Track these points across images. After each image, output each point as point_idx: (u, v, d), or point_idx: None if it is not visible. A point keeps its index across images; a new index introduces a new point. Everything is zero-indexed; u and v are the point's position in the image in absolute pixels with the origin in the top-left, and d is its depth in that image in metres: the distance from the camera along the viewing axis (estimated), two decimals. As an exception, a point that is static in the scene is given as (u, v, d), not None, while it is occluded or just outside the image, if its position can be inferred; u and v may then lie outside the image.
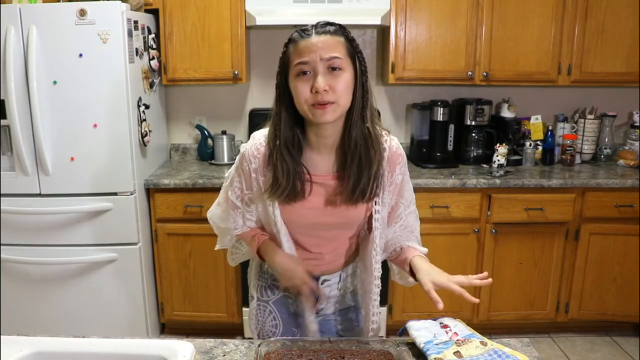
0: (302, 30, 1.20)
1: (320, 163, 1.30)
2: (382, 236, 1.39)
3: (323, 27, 1.19)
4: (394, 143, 1.33)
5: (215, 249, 1.68)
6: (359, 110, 1.22)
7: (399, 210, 1.40)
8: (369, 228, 1.40)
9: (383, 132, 1.31)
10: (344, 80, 1.17)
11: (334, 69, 1.17)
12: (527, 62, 2.86)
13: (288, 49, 1.22)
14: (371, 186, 1.26)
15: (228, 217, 1.45)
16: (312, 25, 1.20)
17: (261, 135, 1.33)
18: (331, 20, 1.24)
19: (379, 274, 1.41)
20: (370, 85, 1.25)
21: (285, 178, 1.24)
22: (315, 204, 1.31)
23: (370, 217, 1.36)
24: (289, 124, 1.25)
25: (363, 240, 1.44)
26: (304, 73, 1.17)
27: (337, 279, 1.46)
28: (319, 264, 1.42)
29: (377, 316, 1.44)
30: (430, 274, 1.28)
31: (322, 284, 1.44)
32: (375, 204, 1.33)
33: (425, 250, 1.45)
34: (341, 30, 1.21)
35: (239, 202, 1.39)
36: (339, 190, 1.29)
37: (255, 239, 1.43)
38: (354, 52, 1.21)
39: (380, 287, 1.43)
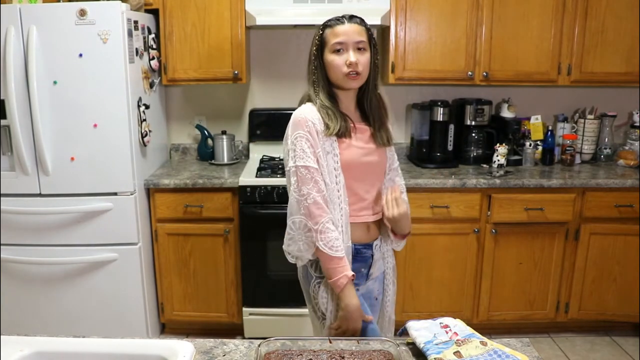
0: (337, 19, 1.57)
1: (345, 111, 1.63)
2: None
3: (352, 19, 1.58)
4: None
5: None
6: (373, 81, 1.62)
7: (389, 161, 1.73)
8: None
9: None
10: (367, 58, 1.56)
11: (359, 49, 1.55)
12: (527, 62, 2.86)
13: (325, 31, 1.58)
14: (389, 132, 1.68)
15: (315, 186, 1.52)
16: (343, 16, 1.58)
17: (305, 106, 1.60)
18: None
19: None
20: (379, 63, 1.65)
21: (335, 119, 1.56)
22: (361, 143, 1.61)
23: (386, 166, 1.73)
24: (325, 85, 1.60)
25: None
26: (339, 50, 1.54)
27: (379, 242, 1.69)
28: (370, 213, 1.65)
29: (392, 272, 1.76)
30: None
31: (375, 248, 1.67)
32: (388, 151, 1.71)
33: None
34: (363, 22, 1.61)
35: (316, 164, 1.52)
36: (372, 135, 1.64)
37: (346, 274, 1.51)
38: (370, 37, 1.60)
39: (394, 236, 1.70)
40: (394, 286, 1.78)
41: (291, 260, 1.61)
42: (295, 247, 1.55)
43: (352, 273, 1.50)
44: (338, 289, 1.50)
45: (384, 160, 1.68)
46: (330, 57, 1.55)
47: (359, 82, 1.57)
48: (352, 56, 1.52)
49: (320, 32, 1.59)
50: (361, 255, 1.64)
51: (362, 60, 1.54)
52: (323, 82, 1.59)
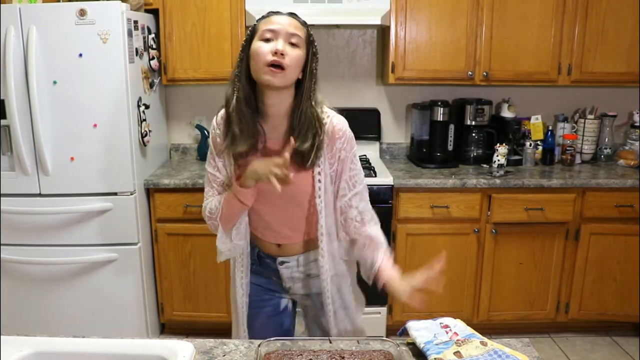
0: (274, 11, 1.41)
1: (271, 130, 1.46)
2: (327, 210, 1.49)
3: (291, 14, 1.42)
4: (335, 120, 1.46)
5: (218, 261, 1.68)
6: (308, 91, 1.41)
7: (342, 187, 1.50)
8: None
9: (326, 109, 1.47)
10: (298, 54, 1.37)
11: (292, 44, 1.36)
12: (527, 62, 2.86)
13: (258, 23, 1.41)
14: (312, 154, 1.41)
15: (212, 194, 1.55)
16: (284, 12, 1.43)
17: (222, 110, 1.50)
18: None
19: (328, 249, 1.52)
20: (317, 73, 1.43)
21: (240, 128, 1.41)
22: None
23: (314, 192, 1.48)
24: (247, 84, 1.41)
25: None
26: (269, 40, 1.35)
27: (295, 262, 1.57)
28: (274, 235, 1.55)
29: (331, 300, 1.56)
30: (404, 283, 1.41)
31: (280, 264, 1.57)
32: (319, 174, 1.45)
33: (386, 245, 1.54)
34: (304, 22, 1.43)
35: (216, 172, 1.52)
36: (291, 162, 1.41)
37: (233, 184, 1.47)
38: (310, 41, 1.42)
39: (330, 265, 1.53)
40: (334, 308, 1.57)
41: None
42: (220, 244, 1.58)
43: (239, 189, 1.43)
44: (240, 193, 1.42)
45: (300, 185, 1.44)
46: (257, 45, 1.35)
47: (281, 78, 1.34)
48: (280, 44, 1.33)
49: (255, 24, 1.42)
50: (266, 264, 1.60)
51: (292, 54, 1.34)
52: (246, 79, 1.40)
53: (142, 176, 2.71)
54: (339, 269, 1.58)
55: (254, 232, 1.58)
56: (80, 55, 2.41)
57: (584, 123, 3.10)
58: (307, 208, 1.50)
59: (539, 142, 3.08)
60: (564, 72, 2.88)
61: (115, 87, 2.46)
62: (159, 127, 3.06)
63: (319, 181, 1.46)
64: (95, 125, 2.49)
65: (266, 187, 1.40)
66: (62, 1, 2.57)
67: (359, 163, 1.53)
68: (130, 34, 2.49)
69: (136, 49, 2.58)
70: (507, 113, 3.09)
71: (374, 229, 1.53)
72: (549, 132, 3.05)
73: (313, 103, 1.42)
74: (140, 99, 2.64)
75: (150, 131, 2.74)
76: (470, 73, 2.87)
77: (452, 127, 3.06)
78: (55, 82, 2.44)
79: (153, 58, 2.78)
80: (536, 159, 3.07)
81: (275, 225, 1.53)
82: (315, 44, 1.44)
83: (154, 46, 2.81)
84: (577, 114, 3.22)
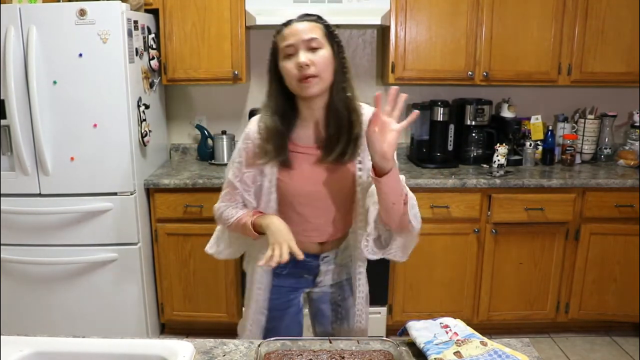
0: (286, 22, 1.40)
1: (305, 135, 1.47)
2: (364, 196, 1.48)
3: (302, 17, 1.40)
4: (368, 109, 1.48)
5: (206, 250, 1.74)
6: (340, 83, 1.41)
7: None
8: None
9: (360, 103, 1.48)
10: (323, 56, 1.36)
11: (313, 48, 1.36)
12: (527, 62, 2.86)
13: (276, 38, 1.41)
14: (351, 146, 1.43)
15: (229, 199, 1.55)
16: (295, 18, 1.41)
17: (256, 119, 1.52)
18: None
19: (366, 239, 1.50)
20: (349, 62, 1.43)
21: (273, 142, 1.43)
22: (306, 172, 1.46)
23: (355, 183, 1.49)
24: (280, 100, 1.43)
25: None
26: (290, 55, 1.36)
27: (334, 254, 1.61)
28: (319, 235, 1.55)
29: (363, 283, 1.61)
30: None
31: (322, 260, 1.59)
32: (359, 163, 1.46)
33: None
34: (319, 18, 1.41)
35: (237, 183, 1.51)
36: (324, 158, 1.45)
37: (249, 215, 1.50)
38: (330, 34, 1.40)
39: (368, 251, 1.53)
40: (363, 293, 1.63)
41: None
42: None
43: (253, 212, 1.49)
44: (250, 232, 1.48)
45: (343, 182, 1.48)
46: (282, 64, 1.38)
47: (317, 85, 1.36)
48: (301, 56, 1.34)
49: (273, 40, 1.43)
50: (303, 264, 1.56)
51: (317, 59, 1.35)
52: (277, 95, 1.43)
53: (142, 176, 2.71)
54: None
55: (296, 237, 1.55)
56: (80, 55, 2.41)
57: (584, 123, 3.10)
58: (350, 199, 1.51)
59: (539, 142, 3.08)
60: (564, 72, 2.88)
61: (115, 87, 2.46)
62: (159, 127, 3.06)
63: (360, 169, 1.48)
64: (95, 125, 2.49)
65: (315, 191, 1.47)
66: (62, 1, 2.57)
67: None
68: (130, 34, 2.49)
69: (136, 49, 2.58)
70: (507, 113, 3.09)
71: None
72: (549, 132, 3.05)
73: (349, 95, 1.42)
74: (140, 99, 2.64)
75: (150, 131, 2.74)
76: (470, 73, 2.87)
77: (452, 127, 3.06)
78: (55, 82, 2.44)
79: (153, 58, 2.78)
80: (536, 159, 3.07)
81: (322, 225, 1.54)
82: (336, 32, 1.42)
83: (154, 46, 2.81)
84: (577, 114, 3.22)
